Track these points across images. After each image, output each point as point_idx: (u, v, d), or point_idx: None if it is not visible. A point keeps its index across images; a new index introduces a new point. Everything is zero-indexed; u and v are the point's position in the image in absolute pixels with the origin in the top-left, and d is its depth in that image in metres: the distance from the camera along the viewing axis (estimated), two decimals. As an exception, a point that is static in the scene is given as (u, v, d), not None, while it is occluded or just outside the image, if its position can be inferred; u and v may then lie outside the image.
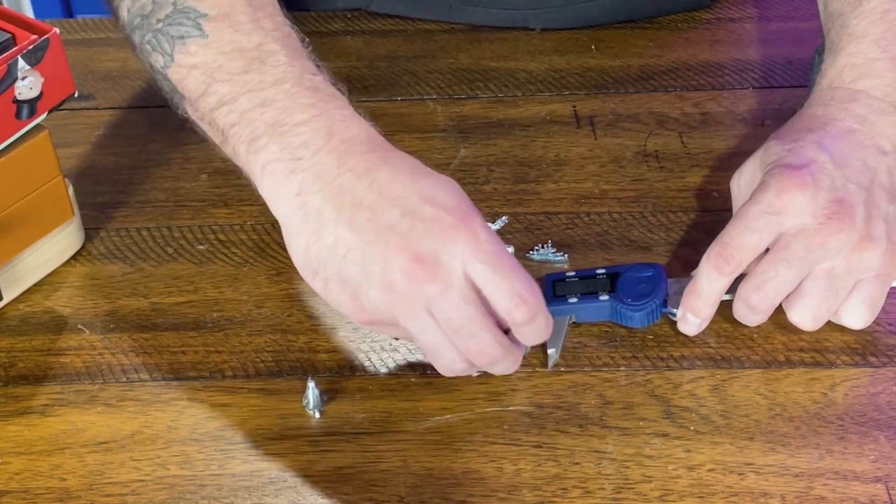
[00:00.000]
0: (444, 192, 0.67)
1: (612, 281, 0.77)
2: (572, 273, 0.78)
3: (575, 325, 0.77)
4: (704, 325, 0.75)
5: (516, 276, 0.66)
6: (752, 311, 0.74)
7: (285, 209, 0.69)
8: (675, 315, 0.76)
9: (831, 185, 0.72)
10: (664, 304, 0.76)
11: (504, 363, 0.69)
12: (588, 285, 0.77)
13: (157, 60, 0.75)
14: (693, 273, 0.76)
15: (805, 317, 0.74)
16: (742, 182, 0.78)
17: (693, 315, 0.75)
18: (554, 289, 0.77)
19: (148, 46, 0.75)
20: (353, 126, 0.70)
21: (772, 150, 0.76)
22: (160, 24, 0.74)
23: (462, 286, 0.66)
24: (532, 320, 0.67)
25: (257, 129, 0.70)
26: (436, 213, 0.66)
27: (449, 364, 0.69)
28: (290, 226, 0.69)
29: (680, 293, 0.76)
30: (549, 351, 0.75)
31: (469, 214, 0.66)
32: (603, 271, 0.78)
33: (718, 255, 0.73)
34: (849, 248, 0.72)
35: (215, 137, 0.74)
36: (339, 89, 0.73)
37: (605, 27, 1.04)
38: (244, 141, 0.71)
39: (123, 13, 0.78)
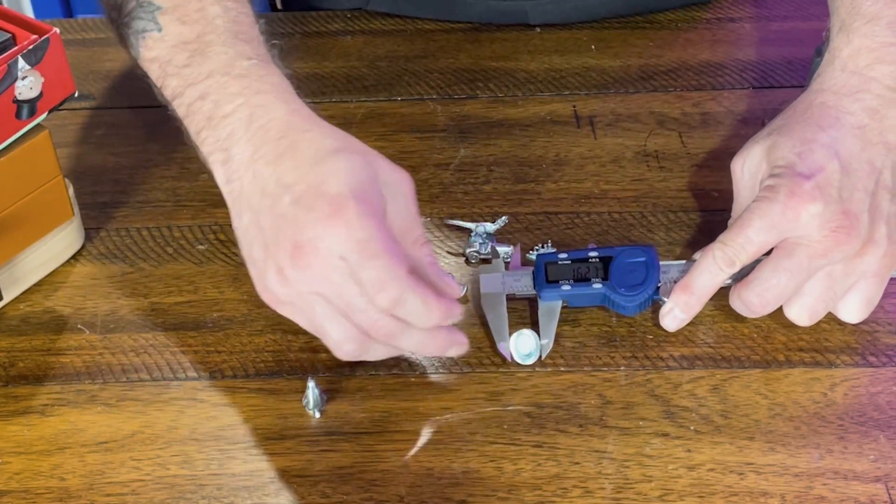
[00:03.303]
0: (335, 178, 0.68)
1: (605, 265, 0.77)
2: (564, 255, 0.78)
3: (573, 322, 0.77)
4: (685, 323, 0.75)
5: (378, 264, 0.67)
6: (750, 312, 0.74)
7: (225, 195, 0.73)
8: (665, 303, 0.76)
9: (838, 197, 0.72)
10: (656, 291, 0.76)
11: (411, 339, 0.69)
12: (580, 270, 0.77)
13: (131, 54, 0.78)
14: (694, 258, 0.76)
15: (802, 315, 0.74)
16: (746, 168, 0.77)
17: (681, 311, 0.75)
18: (547, 273, 0.77)
19: (123, 41, 0.79)
20: (271, 111, 0.72)
21: (781, 148, 0.75)
22: (126, 19, 0.77)
23: (343, 269, 0.67)
24: (396, 305, 0.67)
25: (199, 122, 0.74)
26: (314, 202, 0.68)
27: (338, 341, 0.69)
28: (229, 209, 0.73)
29: (672, 281, 0.76)
30: (543, 342, 0.75)
31: (344, 203, 0.67)
32: (595, 254, 0.78)
33: (722, 256, 0.73)
34: (851, 255, 0.72)
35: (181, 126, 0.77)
36: (276, 64, 0.76)
37: (606, 27, 1.04)
38: (193, 133, 0.75)
39: (104, 6, 0.81)
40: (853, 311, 0.75)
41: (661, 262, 0.77)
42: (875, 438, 0.70)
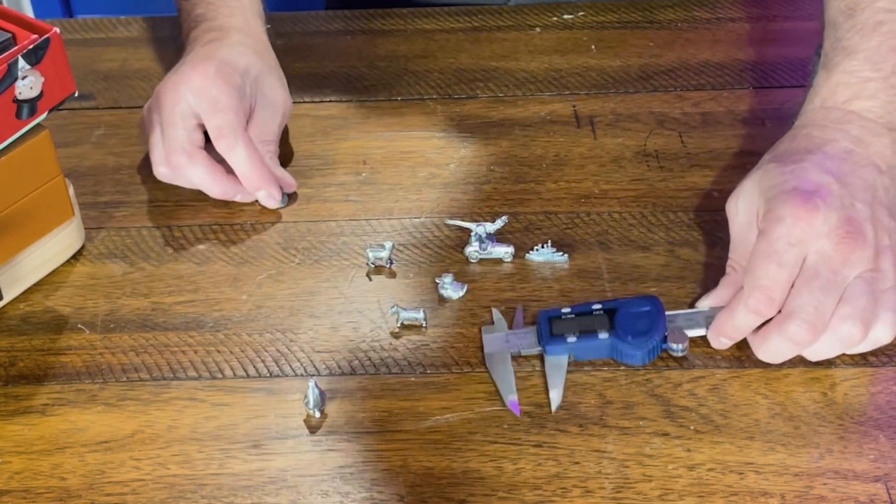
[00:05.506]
0: (219, 53, 0.90)
1: (610, 317, 0.75)
2: (567, 309, 0.76)
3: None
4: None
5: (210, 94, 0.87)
6: (797, 344, 0.72)
7: None
8: (674, 351, 0.74)
9: (840, 205, 0.72)
10: (664, 340, 0.75)
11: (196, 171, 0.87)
12: (585, 322, 0.75)
13: None
14: (698, 305, 0.76)
15: (856, 324, 0.71)
16: (740, 204, 0.76)
17: (727, 339, 0.74)
18: (551, 327, 0.75)
19: None
20: (233, 21, 0.93)
21: (772, 172, 0.75)
22: None
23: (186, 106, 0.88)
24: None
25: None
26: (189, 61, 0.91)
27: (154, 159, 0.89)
28: None
29: (678, 329, 0.75)
30: (552, 394, 0.73)
31: (206, 63, 0.89)
32: (599, 307, 0.76)
33: (758, 299, 0.71)
34: (867, 264, 0.71)
35: None
36: None
37: (606, 27, 1.05)
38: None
39: None
40: (885, 329, 0.72)
41: (666, 312, 0.76)
42: (875, 438, 0.70)
